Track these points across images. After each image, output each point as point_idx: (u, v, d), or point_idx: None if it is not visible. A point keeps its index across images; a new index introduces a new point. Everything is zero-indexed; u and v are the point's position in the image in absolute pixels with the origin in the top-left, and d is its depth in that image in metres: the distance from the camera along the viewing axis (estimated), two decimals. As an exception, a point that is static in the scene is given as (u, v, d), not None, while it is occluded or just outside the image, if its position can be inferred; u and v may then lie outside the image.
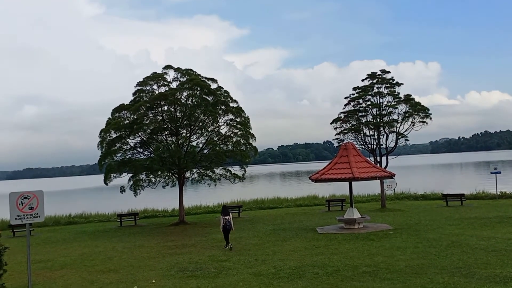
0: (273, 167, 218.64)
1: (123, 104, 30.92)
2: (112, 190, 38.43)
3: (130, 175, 30.62)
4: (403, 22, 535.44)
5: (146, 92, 30.90)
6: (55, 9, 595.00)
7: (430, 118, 32.52)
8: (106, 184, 30.17)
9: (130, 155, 31.03)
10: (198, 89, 30.12)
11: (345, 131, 33.52)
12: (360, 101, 33.25)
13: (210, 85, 30.84)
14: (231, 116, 31.27)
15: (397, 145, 33.07)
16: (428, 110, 32.64)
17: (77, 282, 14.43)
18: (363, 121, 33.14)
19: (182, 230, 27.55)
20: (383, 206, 32.92)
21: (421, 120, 32.38)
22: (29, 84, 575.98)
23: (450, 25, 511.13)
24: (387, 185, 33.40)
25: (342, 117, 33.77)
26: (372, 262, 14.46)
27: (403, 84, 33.10)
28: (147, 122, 29.95)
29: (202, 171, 31.73)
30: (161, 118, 30.46)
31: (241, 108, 31.63)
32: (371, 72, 33.65)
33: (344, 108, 33.92)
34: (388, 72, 33.38)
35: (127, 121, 30.10)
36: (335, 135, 34.10)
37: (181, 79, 30.91)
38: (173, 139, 30.98)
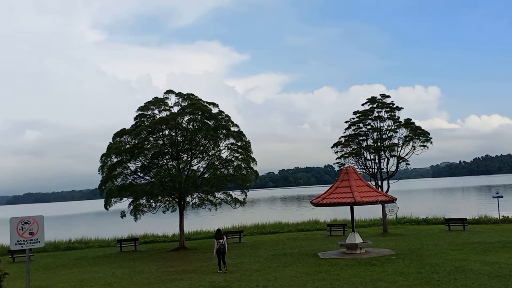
0: (274, 191, 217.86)
1: (124, 128, 31.06)
2: (112, 215, 38.27)
3: (130, 199, 30.54)
4: (403, 47, 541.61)
5: (148, 116, 31.06)
6: (58, 34, 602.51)
7: (431, 142, 32.61)
8: (107, 209, 30.05)
9: (130, 180, 31.00)
10: (199, 113, 30.28)
11: (346, 155, 33.57)
12: (361, 125, 33.38)
13: (211, 110, 31.02)
14: (232, 140, 31.37)
15: (398, 169, 33.05)
16: (429, 134, 32.75)
17: (76, 308, 14.24)
18: (364, 145, 33.21)
19: (183, 255, 27.31)
20: (385, 231, 32.70)
21: (421, 144, 32.46)
22: (30, 108, 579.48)
23: (449, 50, 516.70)
24: (389, 209, 33.25)
25: (343, 141, 33.86)
26: (375, 288, 14.29)
27: (403, 108, 33.33)
28: (148, 146, 30.03)
29: (203, 196, 31.62)
30: (162, 142, 30.53)
31: (242, 132, 31.74)
32: (371, 97, 33.88)
33: (344, 132, 34.10)
34: (388, 96, 33.63)
35: (128, 146, 30.18)
36: (336, 159, 34.16)
37: (182, 104, 31.09)
38: (174, 164, 30.98)
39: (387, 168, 33.05)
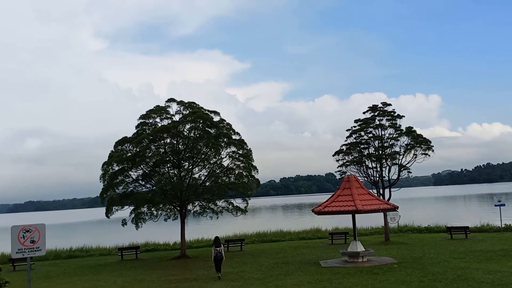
0: (276, 200, 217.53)
1: (126, 137, 31.13)
2: (113, 223, 38.19)
3: (131, 208, 30.53)
4: (403, 55, 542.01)
5: (149, 125, 31.13)
6: (60, 43, 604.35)
7: (432, 150, 32.62)
8: (108, 217, 30.07)
9: (132, 188, 31.00)
10: (201, 121, 30.35)
11: (347, 163, 33.54)
12: (362, 133, 33.39)
13: (213, 118, 31.10)
14: (233, 149, 31.39)
15: (400, 177, 33.02)
16: (430, 142, 32.77)
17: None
18: (365, 153, 33.20)
19: (184, 263, 27.24)
20: (386, 239, 32.60)
21: (423, 152, 32.47)
22: (31, 116, 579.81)
23: (449, 58, 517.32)
24: (391, 217, 33.17)
25: (344, 149, 33.85)
26: (377, 296, 14.23)
27: (404, 116, 33.34)
28: (149, 154, 30.06)
29: (204, 204, 31.59)
30: (163, 150, 30.57)
31: (243, 140, 31.78)
32: (372, 105, 33.93)
33: (346, 140, 34.10)
34: (389, 104, 33.67)
35: (129, 154, 30.22)
36: (338, 167, 34.13)
37: (184, 112, 31.17)
38: (175, 172, 31.01)
39: (388, 176, 33.04)
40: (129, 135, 31.37)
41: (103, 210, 30.76)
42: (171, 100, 31.81)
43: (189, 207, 31.62)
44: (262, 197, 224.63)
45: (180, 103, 31.63)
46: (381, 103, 33.79)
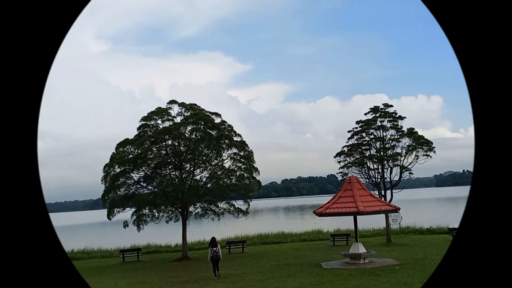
0: (277, 201, 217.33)
1: (128, 138, 31.14)
2: (115, 225, 38.24)
3: (133, 210, 30.56)
4: (405, 56, 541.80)
5: (151, 126, 31.15)
6: (61, 45, 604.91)
7: (434, 152, 32.55)
8: (110, 219, 30.11)
9: (133, 190, 31.03)
10: (202, 123, 30.36)
11: (349, 164, 33.53)
12: (364, 134, 33.36)
13: (214, 120, 31.12)
14: (234, 150, 31.40)
15: (401, 178, 32.98)
16: (432, 143, 32.71)
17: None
18: (367, 155, 33.17)
19: (185, 265, 27.24)
20: (388, 241, 32.55)
21: (424, 153, 32.40)
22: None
23: (451, 59, 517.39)
24: (392, 219, 33.08)
25: (346, 150, 33.83)
26: (379, 298, 14.20)
27: (405, 117, 33.30)
28: (151, 156, 30.08)
29: (206, 206, 31.60)
30: (165, 152, 30.59)
31: (244, 142, 31.81)
32: (374, 106, 33.89)
33: (347, 142, 34.06)
34: (391, 106, 33.63)
35: (131, 156, 30.25)
36: (339, 169, 34.13)
37: (185, 114, 31.19)
38: (177, 174, 31.03)
39: (390, 178, 33.00)
40: (131, 137, 31.39)
41: (104, 212, 30.80)
42: (172, 102, 31.83)
43: (191, 209, 31.63)
44: (263, 199, 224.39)
45: (182, 105, 31.65)
46: (383, 104, 33.76)
